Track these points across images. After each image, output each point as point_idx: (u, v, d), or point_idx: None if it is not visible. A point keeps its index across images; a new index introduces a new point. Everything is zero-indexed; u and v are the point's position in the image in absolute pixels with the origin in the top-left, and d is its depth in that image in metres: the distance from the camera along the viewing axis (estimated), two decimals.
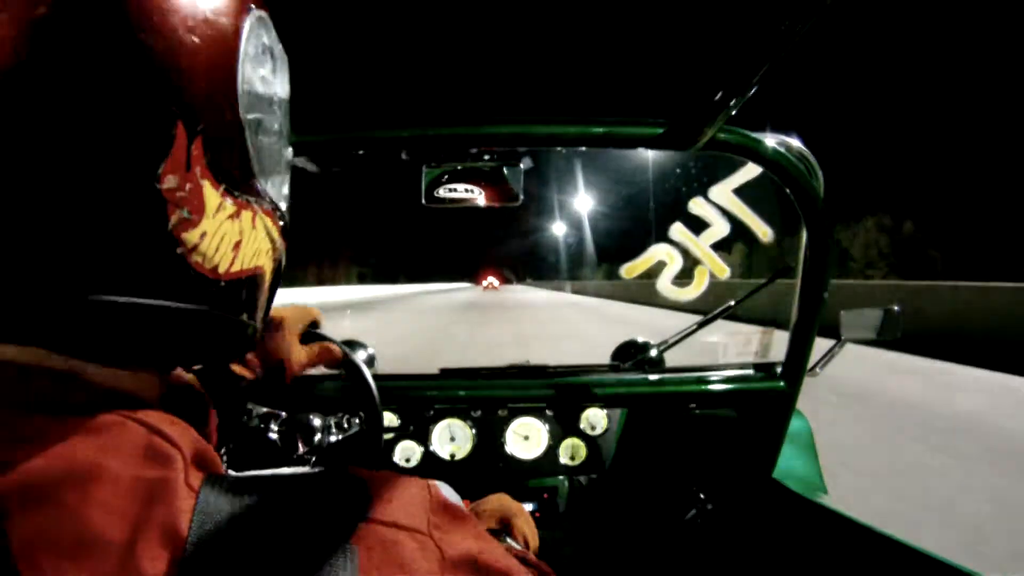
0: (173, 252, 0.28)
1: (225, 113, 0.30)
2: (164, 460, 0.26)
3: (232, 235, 0.31)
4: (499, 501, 0.70)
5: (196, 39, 0.28)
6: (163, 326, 0.29)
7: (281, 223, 0.37)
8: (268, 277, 0.37)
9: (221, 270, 0.31)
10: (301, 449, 1.00)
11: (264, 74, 0.34)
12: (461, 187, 1.01)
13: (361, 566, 0.26)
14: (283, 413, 1.01)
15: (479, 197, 1.01)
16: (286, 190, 0.39)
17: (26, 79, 0.23)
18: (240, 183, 0.32)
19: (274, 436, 0.99)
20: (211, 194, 0.29)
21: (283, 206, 0.38)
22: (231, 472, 0.29)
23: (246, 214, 0.32)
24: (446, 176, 1.02)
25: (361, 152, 0.97)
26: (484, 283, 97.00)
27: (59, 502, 0.23)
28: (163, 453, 0.26)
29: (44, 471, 0.23)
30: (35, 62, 0.23)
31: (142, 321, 0.28)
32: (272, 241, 0.36)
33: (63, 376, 0.27)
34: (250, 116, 0.32)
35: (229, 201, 0.31)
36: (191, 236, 0.29)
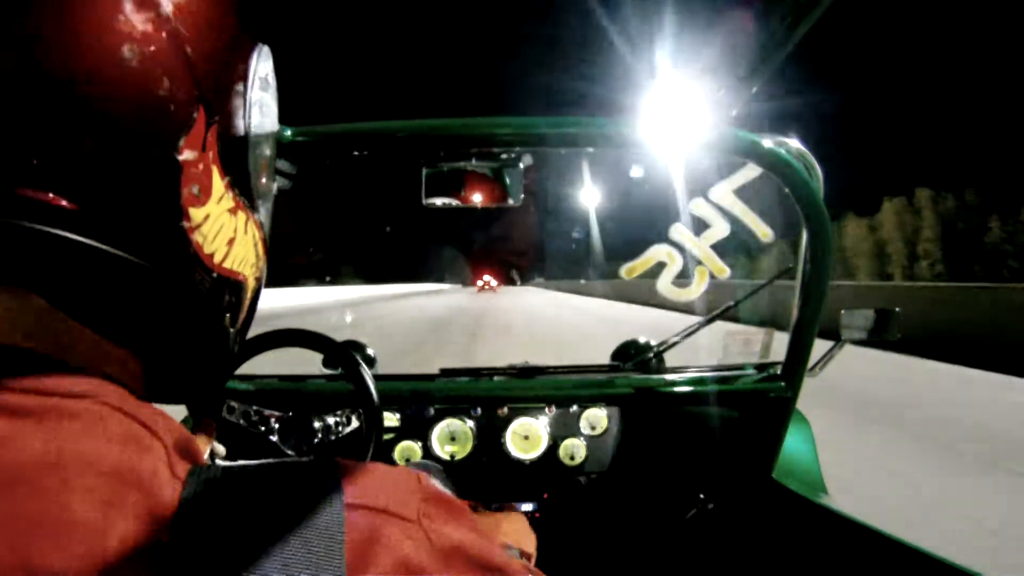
0: (179, 223, 0.29)
1: (236, 115, 0.33)
2: (147, 449, 0.26)
3: (228, 229, 0.33)
4: (509, 516, 0.69)
5: (220, 44, 0.32)
6: (162, 303, 0.31)
7: (265, 243, 0.39)
8: (249, 294, 0.37)
9: (216, 260, 0.32)
10: (302, 449, 1.00)
11: (267, 98, 0.37)
12: (460, 187, 1.01)
13: (348, 552, 0.26)
14: (280, 414, 1.01)
15: (478, 197, 1.01)
16: (268, 220, 0.40)
17: (90, 45, 0.26)
18: (239, 185, 0.34)
19: (274, 438, 0.99)
20: (218, 181, 0.32)
21: (266, 229, 0.39)
22: (218, 462, 0.29)
23: (241, 215, 0.34)
24: (446, 176, 1.02)
25: (363, 152, 0.97)
26: (479, 283, 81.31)
27: (40, 487, 0.22)
28: (146, 442, 0.26)
29: (23, 455, 0.23)
30: (103, 35, 0.26)
31: (145, 290, 0.29)
32: (257, 256, 0.37)
33: (47, 360, 0.27)
34: (254, 127, 0.35)
35: (230, 195, 0.33)
36: (197, 213, 0.30)
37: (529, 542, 0.65)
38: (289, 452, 0.99)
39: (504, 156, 0.99)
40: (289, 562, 0.24)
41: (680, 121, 0.93)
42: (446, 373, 1.23)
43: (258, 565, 0.24)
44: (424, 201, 1.01)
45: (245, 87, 0.34)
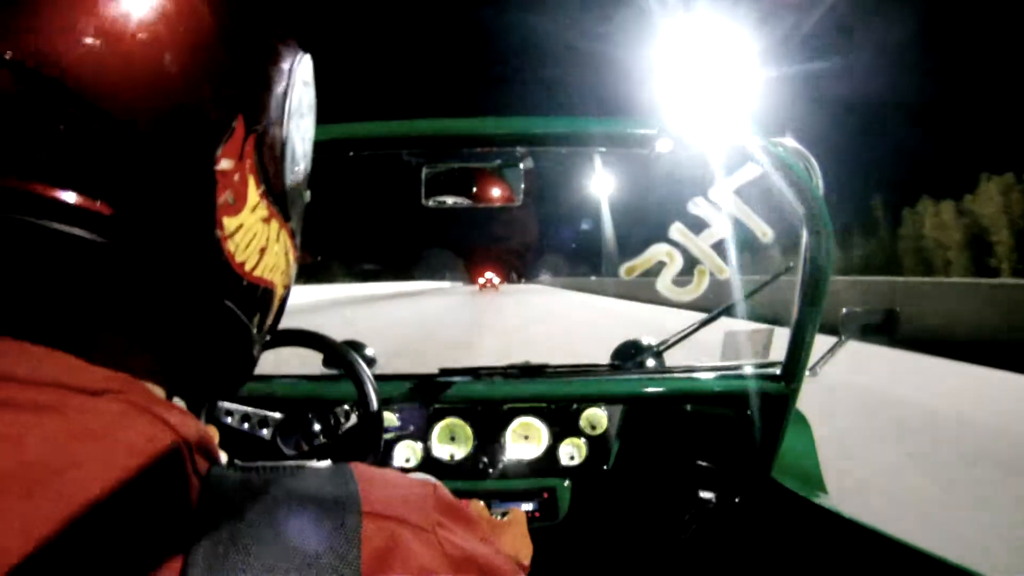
0: (213, 231, 0.29)
1: (275, 125, 0.33)
2: (170, 449, 0.26)
3: (260, 238, 0.33)
4: (510, 524, 0.70)
5: (262, 54, 0.32)
6: (191, 308, 0.31)
7: (296, 251, 0.39)
8: (276, 302, 0.37)
9: (247, 268, 0.32)
10: (303, 448, 1.00)
11: (305, 107, 0.37)
12: (461, 187, 1.01)
13: (364, 560, 0.26)
14: (279, 415, 1.01)
15: (479, 197, 1.01)
16: (300, 229, 0.40)
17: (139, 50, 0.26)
18: (273, 194, 0.34)
19: (276, 439, 1.00)
20: (253, 191, 0.32)
21: (298, 237, 0.39)
22: (237, 461, 0.29)
23: (274, 224, 0.34)
24: (446, 176, 1.02)
25: (363, 152, 0.97)
26: (481, 280, 77.58)
27: (57, 487, 0.22)
28: (169, 442, 0.26)
29: (40, 452, 0.23)
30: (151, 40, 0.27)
31: (175, 295, 0.29)
32: (287, 264, 0.37)
33: (69, 356, 0.27)
34: (291, 137, 0.35)
35: (264, 204, 0.33)
36: (231, 223, 0.30)
37: (526, 553, 0.66)
38: (290, 453, 0.99)
39: (504, 156, 0.99)
40: (304, 569, 0.24)
41: (683, 119, 0.93)
42: (446, 373, 1.23)
43: (273, 570, 0.24)
44: (424, 201, 1.01)
45: (285, 97, 0.34)
